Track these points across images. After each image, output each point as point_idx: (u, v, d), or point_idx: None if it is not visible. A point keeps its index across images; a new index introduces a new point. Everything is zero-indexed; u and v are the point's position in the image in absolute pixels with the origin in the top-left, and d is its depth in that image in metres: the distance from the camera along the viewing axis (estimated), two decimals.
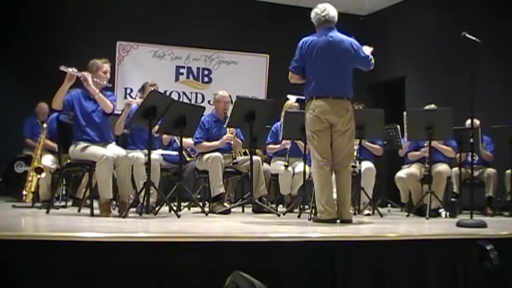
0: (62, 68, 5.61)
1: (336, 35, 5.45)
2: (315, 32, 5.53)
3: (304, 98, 5.60)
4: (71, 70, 5.63)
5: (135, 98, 8.35)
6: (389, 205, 8.26)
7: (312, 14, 5.53)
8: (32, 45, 9.62)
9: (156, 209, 5.90)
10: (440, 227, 5.49)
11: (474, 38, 5.43)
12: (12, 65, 9.66)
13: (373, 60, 5.59)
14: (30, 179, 7.23)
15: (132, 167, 6.00)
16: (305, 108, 5.42)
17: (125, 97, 10.19)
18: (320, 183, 5.24)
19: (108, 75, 6.01)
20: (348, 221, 5.27)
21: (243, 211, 7.04)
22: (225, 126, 6.83)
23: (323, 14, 5.46)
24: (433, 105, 7.42)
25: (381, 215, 6.72)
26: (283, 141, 7.30)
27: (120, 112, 6.52)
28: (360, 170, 6.89)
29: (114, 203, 6.11)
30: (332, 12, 5.49)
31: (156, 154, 6.40)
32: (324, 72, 5.30)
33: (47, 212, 5.79)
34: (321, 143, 5.30)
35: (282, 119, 7.10)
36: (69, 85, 5.66)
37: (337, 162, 5.37)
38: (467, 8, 9.32)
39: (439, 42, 9.92)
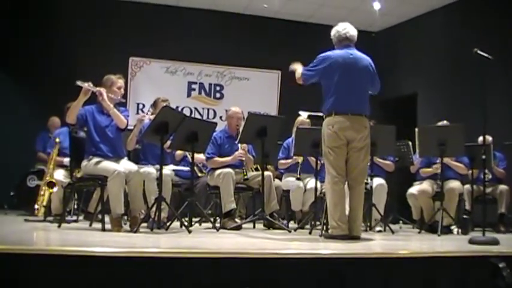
0: (78, 82, 5.63)
1: (356, 52, 5.49)
2: (332, 48, 5.56)
3: (315, 114, 5.59)
4: (87, 85, 5.65)
5: (147, 114, 8.39)
6: (400, 222, 8.21)
7: (333, 32, 5.58)
8: (45, 61, 9.71)
9: (168, 224, 5.89)
10: (452, 244, 5.46)
11: (486, 55, 5.43)
12: (25, 81, 9.74)
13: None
14: (42, 193, 7.27)
15: (144, 182, 6.01)
16: (323, 123, 5.42)
17: (137, 112, 10.24)
18: (334, 199, 5.24)
19: (122, 90, 6.05)
20: (357, 238, 5.25)
21: (254, 227, 7.03)
22: (236, 142, 6.84)
23: (344, 32, 5.51)
24: (445, 122, 7.40)
25: (393, 232, 6.69)
26: (294, 157, 7.29)
27: (132, 127, 6.55)
28: (371, 187, 6.86)
29: (126, 218, 6.13)
30: (352, 31, 5.55)
31: (168, 169, 6.41)
32: (344, 88, 5.31)
33: (59, 226, 5.81)
34: (337, 160, 5.30)
35: (293, 135, 7.11)
36: (84, 99, 5.69)
37: (352, 178, 5.37)
38: (477, 24, 9.32)
39: (450, 58, 9.93)
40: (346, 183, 5.38)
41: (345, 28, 5.54)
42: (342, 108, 5.29)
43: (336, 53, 5.48)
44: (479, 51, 5.45)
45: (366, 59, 5.51)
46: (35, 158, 8.93)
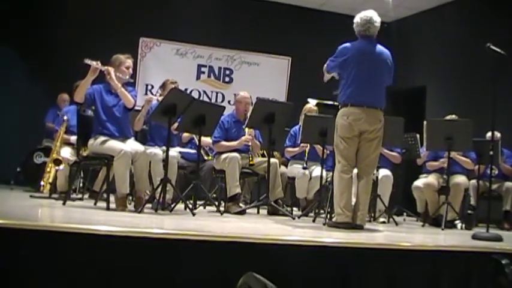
0: (87, 60, 5.65)
1: (377, 46, 5.46)
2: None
3: (324, 102, 5.56)
4: (95, 63, 5.66)
5: (155, 95, 8.38)
6: (405, 214, 8.20)
7: (355, 19, 5.51)
8: (55, 39, 9.68)
9: (172, 206, 5.90)
10: (456, 238, 5.45)
11: (499, 50, 5.38)
12: (34, 60, 9.75)
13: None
14: (48, 170, 7.29)
15: (150, 163, 6.02)
16: (338, 113, 5.40)
17: (146, 93, 10.25)
18: (341, 187, 5.26)
19: (131, 70, 6.05)
20: (360, 227, 5.26)
21: (258, 212, 7.05)
22: (244, 127, 6.83)
23: (366, 23, 5.44)
24: (454, 116, 7.37)
25: (396, 224, 6.69)
26: (302, 145, 7.28)
27: (140, 108, 6.55)
28: (377, 177, 6.86)
29: (131, 198, 6.14)
30: (375, 22, 5.46)
31: (174, 151, 6.41)
32: (361, 81, 5.30)
33: (64, 204, 5.83)
34: (347, 150, 5.31)
35: (300, 122, 7.09)
36: (92, 78, 5.70)
37: (361, 168, 5.39)
38: (490, 18, 9.24)
39: (461, 52, 9.85)
40: (355, 172, 5.38)
41: (368, 18, 5.44)
42: (358, 100, 5.29)
43: (356, 44, 5.44)
44: (492, 46, 5.40)
45: (385, 52, 5.48)
46: (42, 134, 8.96)
